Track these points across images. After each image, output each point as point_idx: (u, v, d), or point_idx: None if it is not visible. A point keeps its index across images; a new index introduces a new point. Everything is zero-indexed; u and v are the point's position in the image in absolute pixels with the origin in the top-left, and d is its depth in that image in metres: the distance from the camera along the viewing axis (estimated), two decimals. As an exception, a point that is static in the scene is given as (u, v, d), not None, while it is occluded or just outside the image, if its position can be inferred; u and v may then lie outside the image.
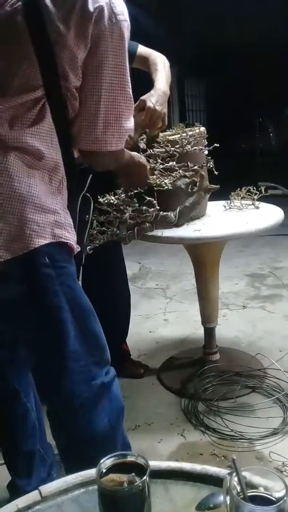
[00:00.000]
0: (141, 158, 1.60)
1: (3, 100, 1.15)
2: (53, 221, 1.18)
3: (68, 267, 1.24)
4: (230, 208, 2.20)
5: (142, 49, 1.98)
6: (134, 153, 1.56)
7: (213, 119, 10.06)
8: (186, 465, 0.95)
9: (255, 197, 2.17)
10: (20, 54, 1.15)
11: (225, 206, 2.21)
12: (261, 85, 10.57)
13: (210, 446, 1.90)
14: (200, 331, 2.58)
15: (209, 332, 2.45)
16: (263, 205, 2.19)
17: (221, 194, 2.05)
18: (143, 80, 1.95)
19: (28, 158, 1.16)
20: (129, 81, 1.23)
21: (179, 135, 1.85)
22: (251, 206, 2.17)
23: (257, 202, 2.18)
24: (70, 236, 1.23)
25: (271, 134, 11.50)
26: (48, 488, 0.91)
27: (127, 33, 1.20)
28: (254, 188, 2.19)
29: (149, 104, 1.80)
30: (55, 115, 1.19)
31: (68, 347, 1.24)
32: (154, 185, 1.64)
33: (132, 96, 1.26)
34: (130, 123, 1.27)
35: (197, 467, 0.94)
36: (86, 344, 1.27)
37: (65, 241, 1.21)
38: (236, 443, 1.90)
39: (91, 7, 1.13)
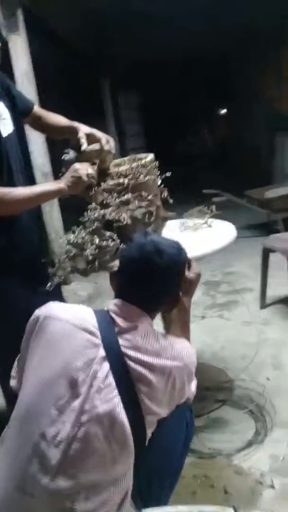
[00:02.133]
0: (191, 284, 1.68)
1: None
2: None
3: None
4: (185, 228, 2.25)
5: (37, 108, 1.98)
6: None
7: (150, 129, 10.18)
8: (183, 509, 0.97)
9: (207, 216, 2.24)
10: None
11: (180, 227, 2.26)
12: (194, 91, 10.84)
13: (190, 467, 1.91)
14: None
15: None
16: (215, 222, 2.27)
17: (171, 205, 2.05)
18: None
19: None
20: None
21: (129, 166, 1.86)
22: (205, 225, 2.24)
23: (209, 220, 2.25)
24: None
25: (207, 136, 11.83)
26: None
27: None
28: (206, 207, 2.26)
29: (99, 134, 1.82)
30: None
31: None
32: (113, 220, 1.65)
33: None
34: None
35: (193, 509, 0.96)
36: None
37: None
38: (214, 461, 1.94)
39: (178, 383, 1.25)
